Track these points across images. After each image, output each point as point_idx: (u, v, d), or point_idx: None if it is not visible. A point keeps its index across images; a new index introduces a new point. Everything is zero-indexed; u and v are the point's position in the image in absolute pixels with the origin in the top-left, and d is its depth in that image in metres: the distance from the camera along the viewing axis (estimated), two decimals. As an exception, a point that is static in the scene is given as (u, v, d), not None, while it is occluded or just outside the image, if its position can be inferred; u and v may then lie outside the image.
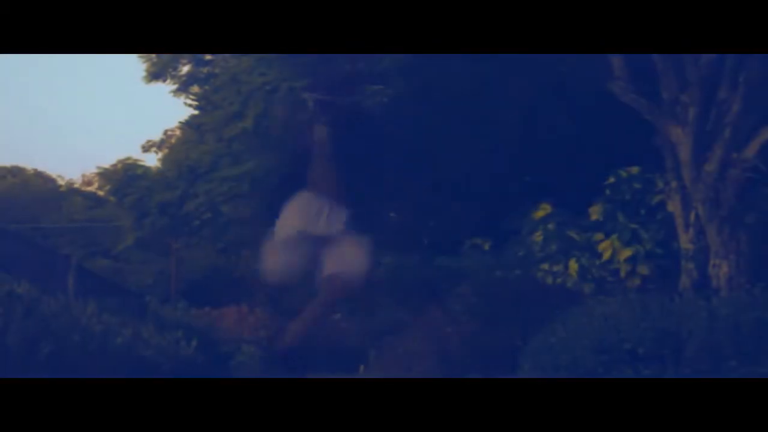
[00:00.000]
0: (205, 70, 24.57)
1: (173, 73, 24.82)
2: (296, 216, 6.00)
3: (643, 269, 13.30)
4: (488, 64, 15.51)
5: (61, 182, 49.67)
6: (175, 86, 25.16)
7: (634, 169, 13.98)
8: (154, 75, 24.48)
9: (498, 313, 12.60)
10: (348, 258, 5.99)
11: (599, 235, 13.86)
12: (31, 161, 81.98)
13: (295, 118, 11.82)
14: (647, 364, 8.92)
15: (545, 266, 14.29)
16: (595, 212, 14.17)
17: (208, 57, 23.81)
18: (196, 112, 23.54)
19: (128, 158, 23.17)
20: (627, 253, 13.37)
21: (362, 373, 14.44)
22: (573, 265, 13.82)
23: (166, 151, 36.61)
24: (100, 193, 39.45)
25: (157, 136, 43.26)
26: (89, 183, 48.39)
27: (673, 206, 12.59)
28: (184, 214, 20.49)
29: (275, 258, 6.18)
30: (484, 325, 12.34)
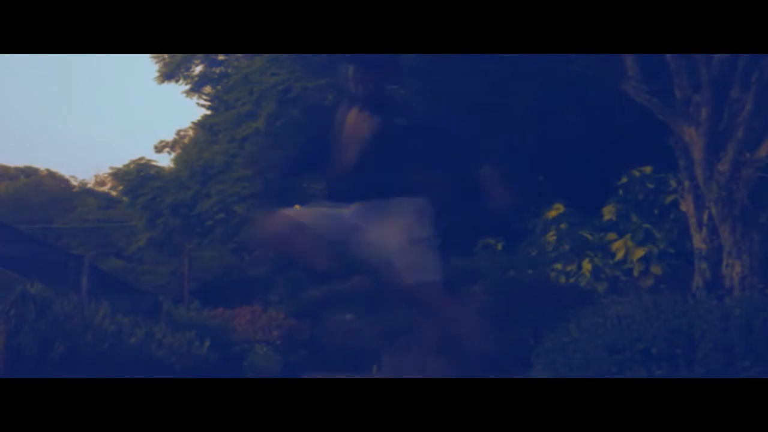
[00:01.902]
0: (217, 70, 24.67)
1: (186, 73, 24.94)
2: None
3: (657, 269, 13.23)
4: (501, 64, 15.50)
5: (74, 183, 49.95)
6: (187, 86, 25.29)
7: (647, 169, 13.92)
8: (167, 75, 24.61)
9: (510, 312, 12.57)
10: None
11: (612, 235, 13.80)
12: (43, 162, 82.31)
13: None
14: (660, 363, 8.89)
15: (558, 266, 14.26)
16: (608, 212, 14.13)
17: (220, 57, 23.91)
18: (208, 112, 23.64)
19: (141, 159, 23.25)
20: (640, 252, 13.31)
21: (375, 373, 14.45)
22: (586, 265, 13.77)
23: (178, 151, 36.80)
24: (113, 193, 39.63)
25: (169, 136, 43.47)
26: (102, 183, 48.65)
27: (686, 206, 12.54)
28: (197, 214, 20.54)
29: None
30: (497, 324, 12.31)
